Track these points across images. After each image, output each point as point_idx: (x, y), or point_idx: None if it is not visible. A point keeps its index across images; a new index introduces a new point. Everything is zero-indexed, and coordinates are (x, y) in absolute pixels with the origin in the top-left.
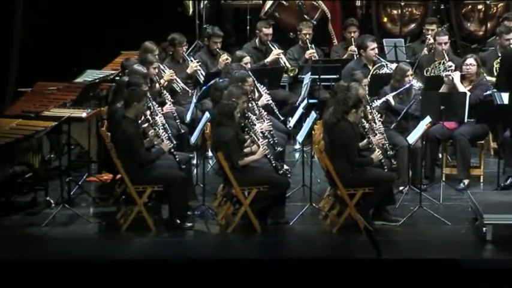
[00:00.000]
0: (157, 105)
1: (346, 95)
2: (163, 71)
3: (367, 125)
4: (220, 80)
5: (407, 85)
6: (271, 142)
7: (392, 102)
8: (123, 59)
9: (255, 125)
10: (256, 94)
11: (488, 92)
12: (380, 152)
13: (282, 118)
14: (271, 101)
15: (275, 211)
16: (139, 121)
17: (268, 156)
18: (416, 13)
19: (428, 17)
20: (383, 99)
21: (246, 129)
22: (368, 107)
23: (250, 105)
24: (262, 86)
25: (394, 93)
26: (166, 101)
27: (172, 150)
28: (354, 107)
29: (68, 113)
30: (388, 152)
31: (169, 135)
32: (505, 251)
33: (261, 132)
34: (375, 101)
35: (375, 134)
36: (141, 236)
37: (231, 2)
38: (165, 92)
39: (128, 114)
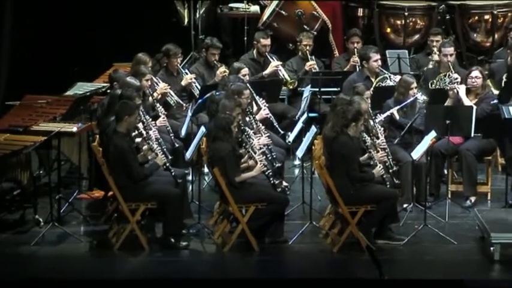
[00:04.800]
0: (150, 119)
1: (345, 108)
2: (157, 84)
3: (368, 140)
4: (217, 93)
5: (412, 98)
6: (270, 158)
7: (397, 117)
8: (111, 71)
9: (253, 139)
10: (255, 108)
11: (494, 101)
12: (381, 167)
13: (282, 132)
14: (270, 115)
15: (274, 229)
16: (132, 135)
17: (266, 172)
18: (421, 23)
19: (433, 27)
20: (387, 113)
21: (243, 144)
22: (371, 122)
23: (248, 118)
24: (261, 99)
25: (398, 107)
26: (160, 114)
27: (168, 164)
28: (354, 120)
29: (57, 127)
30: (390, 170)
31: (164, 149)
32: None
33: (259, 146)
34: (378, 115)
35: (377, 150)
36: (134, 255)
37: (227, 12)
38: (158, 105)
39: (120, 129)
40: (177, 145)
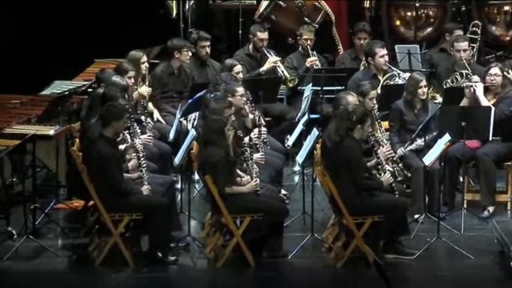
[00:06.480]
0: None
1: (348, 109)
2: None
3: (372, 139)
4: (211, 96)
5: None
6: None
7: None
8: (98, 70)
9: (252, 159)
10: (251, 116)
11: None
12: (390, 174)
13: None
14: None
15: (271, 242)
16: (126, 152)
17: (258, 192)
18: (433, 15)
19: (447, 19)
20: (410, 147)
21: (245, 158)
22: (376, 123)
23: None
24: (262, 122)
25: (415, 144)
26: (147, 130)
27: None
28: (360, 123)
29: (33, 130)
30: (396, 168)
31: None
32: None
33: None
34: (402, 148)
35: (381, 145)
36: (117, 271)
37: (220, 3)
38: (149, 120)
39: (106, 133)
40: (155, 166)
